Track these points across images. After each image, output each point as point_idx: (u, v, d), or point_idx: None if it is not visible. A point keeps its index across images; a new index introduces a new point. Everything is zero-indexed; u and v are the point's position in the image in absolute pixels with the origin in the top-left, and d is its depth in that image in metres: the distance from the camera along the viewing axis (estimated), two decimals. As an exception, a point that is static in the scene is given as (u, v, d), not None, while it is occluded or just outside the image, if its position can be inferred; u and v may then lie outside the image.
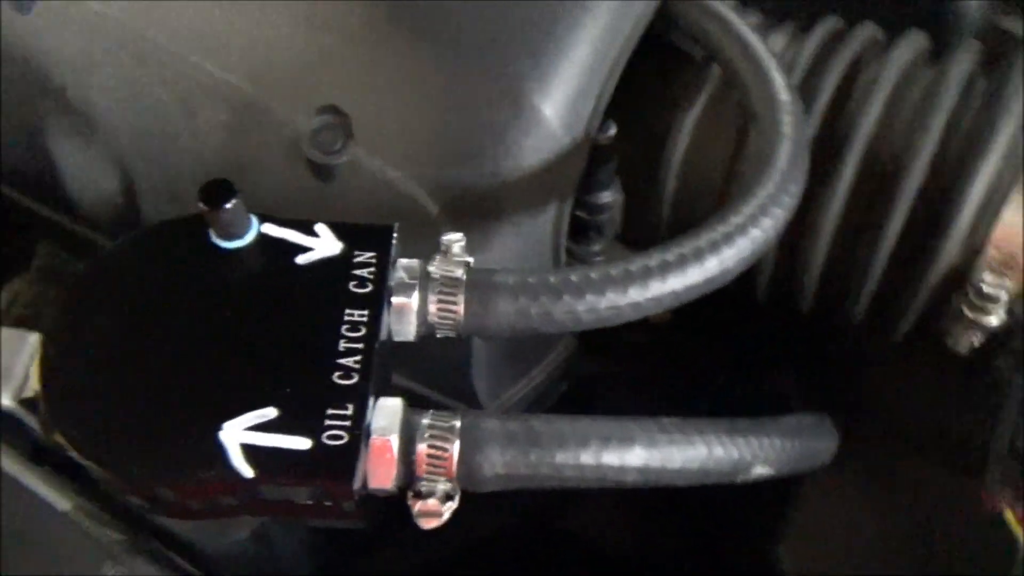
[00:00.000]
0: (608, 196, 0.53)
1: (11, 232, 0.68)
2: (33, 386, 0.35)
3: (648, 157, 0.52)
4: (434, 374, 0.52)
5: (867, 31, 0.51)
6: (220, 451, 0.29)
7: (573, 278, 0.35)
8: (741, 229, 0.37)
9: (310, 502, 0.30)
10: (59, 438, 0.29)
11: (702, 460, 0.33)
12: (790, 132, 0.40)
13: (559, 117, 0.46)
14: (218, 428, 0.29)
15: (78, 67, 0.53)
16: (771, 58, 0.44)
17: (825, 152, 0.47)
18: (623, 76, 0.48)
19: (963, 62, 0.48)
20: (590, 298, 0.34)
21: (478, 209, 0.48)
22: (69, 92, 0.54)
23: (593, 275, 0.35)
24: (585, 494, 0.69)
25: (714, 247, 0.36)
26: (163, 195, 0.55)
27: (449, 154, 0.47)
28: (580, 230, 0.54)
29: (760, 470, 0.36)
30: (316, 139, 0.48)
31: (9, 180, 0.63)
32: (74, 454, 0.29)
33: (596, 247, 0.58)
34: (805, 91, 0.47)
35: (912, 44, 0.50)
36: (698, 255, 0.36)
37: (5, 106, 0.57)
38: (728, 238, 0.36)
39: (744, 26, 0.46)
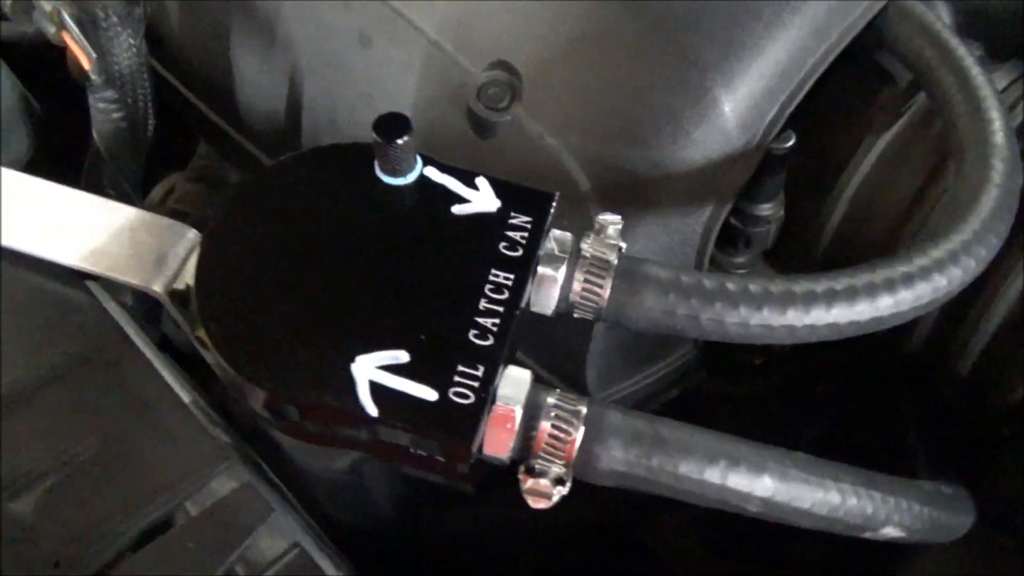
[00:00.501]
0: (768, 209, 0.50)
1: (175, 129, 0.70)
2: (184, 280, 0.36)
3: (822, 176, 0.49)
4: (546, 351, 0.51)
5: None
6: (350, 383, 0.29)
7: (730, 286, 0.33)
8: (924, 273, 0.33)
9: (423, 454, 0.30)
10: (203, 335, 0.30)
11: (832, 507, 0.31)
12: (999, 179, 0.36)
13: (737, 115, 0.44)
14: (351, 360, 0.29)
15: (272, -14, 0.54)
16: (992, 95, 0.39)
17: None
18: (814, 86, 0.44)
19: None
20: (744, 311, 0.32)
21: (631, 194, 0.46)
22: (260, 9, 0.56)
23: (752, 287, 0.33)
24: (671, 510, 0.68)
25: (890, 286, 0.33)
26: (323, 117, 0.56)
27: (613, 131, 0.45)
28: (729, 238, 0.51)
29: (891, 531, 0.33)
30: (483, 93, 0.47)
31: (184, 80, 0.66)
32: (212, 354, 0.29)
33: (740, 259, 0.55)
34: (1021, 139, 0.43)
35: None
36: (871, 291, 0.33)
37: (193, 8, 0.60)
38: (908, 279, 0.33)
39: (967, 56, 0.41)
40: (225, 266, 0.31)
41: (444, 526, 0.56)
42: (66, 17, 0.42)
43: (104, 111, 0.45)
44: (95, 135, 0.46)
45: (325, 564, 0.31)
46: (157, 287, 0.36)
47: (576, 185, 0.45)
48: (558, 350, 0.51)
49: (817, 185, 0.49)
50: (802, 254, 0.53)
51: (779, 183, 0.48)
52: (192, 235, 0.37)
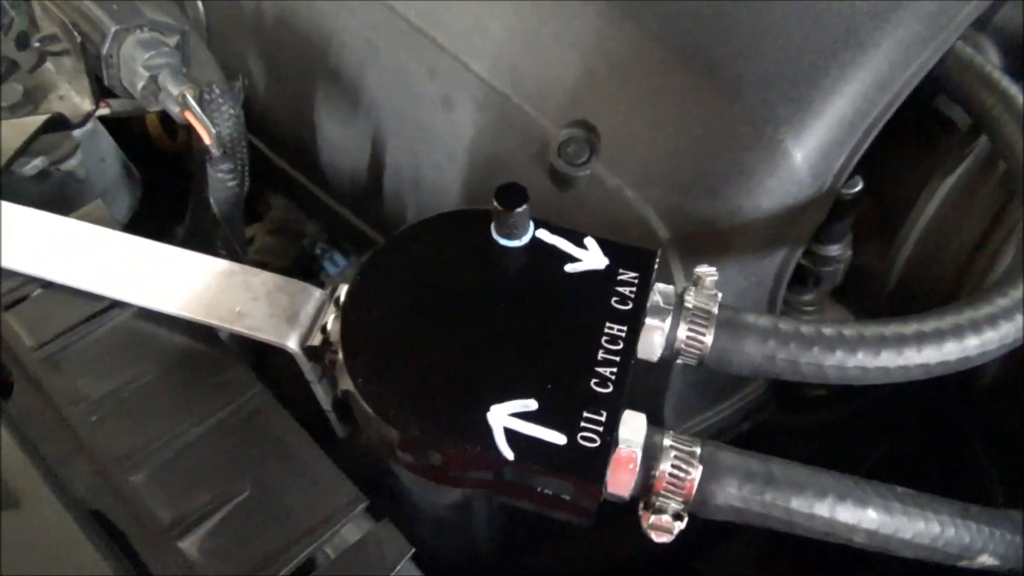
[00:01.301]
0: (837, 249, 0.52)
1: (255, 184, 0.75)
2: (316, 337, 0.40)
3: (889, 219, 0.51)
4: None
5: None
6: (488, 430, 0.32)
7: (826, 332, 0.35)
8: (1008, 314, 0.36)
9: (549, 492, 0.33)
10: (350, 387, 0.33)
11: (933, 537, 0.33)
12: None
13: (809, 166, 0.47)
14: (487, 409, 0.32)
15: (357, 52, 0.59)
16: None
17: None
18: (879, 133, 0.47)
19: None
20: (840, 355, 0.35)
21: (708, 242, 0.49)
22: (344, 72, 0.60)
23: (846, 332, 0.35)
24: (727, 541, 0.69)
25: (975, 327, 0.36)
26: (407, 176, 0.60)
27: (690, 184, 0.48)
28: (799, 277, 0.53)
29: (986, 559, 0.35)
30: (563, 149, 0.50)
31: (268, 141, 0.71)
32: (360, 405, 0.33)
33: (809, 296, 0.57)
34: None
35: None
36: (957, 332, 0.35)
37: (280, 72, 0.64)
38: (992, 320, 0.36)
39: None
40: (367, 324, 0.34)
41: (531, 562, 0.59)
42: (190, 99, 0.46)
43: (221, 180, 0.50)
44: (212, 202, 0.51)
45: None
46: (292, 344, 0.39)
47: (655, 234, 0.48)
48: (638, 388, 0.54)
49: (884, 227, 0.52)
50: (870, 292, 0.55)
51: (847, 225, 0.51)
52: (319, 295, 0.41)
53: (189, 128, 0.48)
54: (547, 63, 0.52)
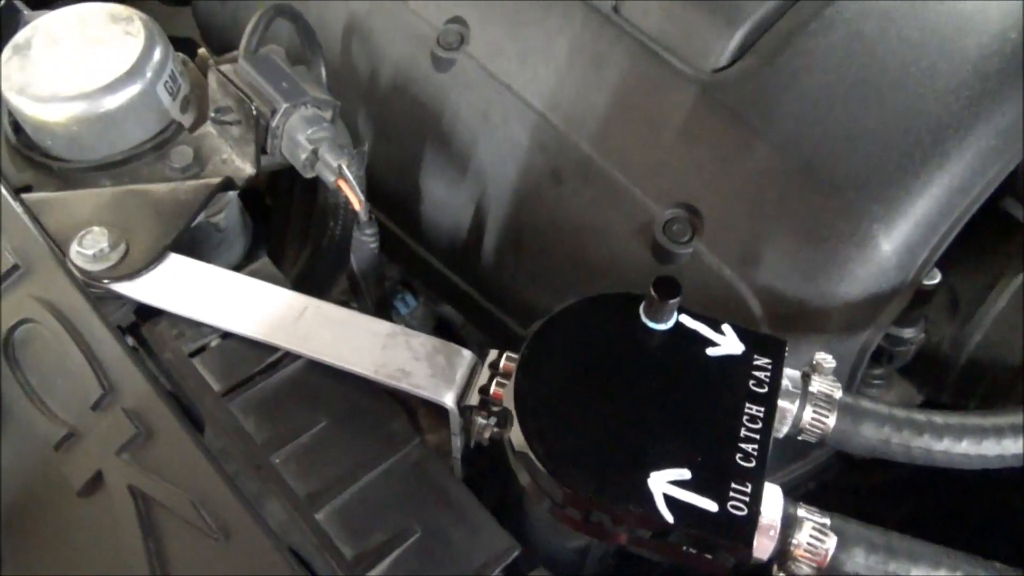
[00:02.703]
0: (912, 332, 0.58)
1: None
2: (472, 397, 0.44)
3: (958, 308, 0.57)
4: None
5: None
6: (649, 496, 0.36)
7: (936, 420, 0.40)
8: (1090, 413, 0.41)
9: (694, 552, 0.37)
10: (525, 448, 0.38)
11: (1009, 601, 0.38)
12: None
13: (897, 258, 0.52)
14: (647, 476, 0.37)
15: (471, 124, 0.64)
16: None
17: None
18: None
19: None
20: (947, 442, 0.40)
21: (799, 321, 0.54)
22: (455, 139, 0.65)
23: (952, 421, 0.40)
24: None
25: (1065, 423, 0.41)
26: (508, 237, 0.65)
27: (787, 270, 0.53)
28: (874, 354, 0.58)
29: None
30: (668, 228, 0.55)
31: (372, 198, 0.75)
32: (535, 466, 0.37)
33: (879, 371, 0.62)
34: None
35: None
36: (1047, 426, 0.40)
37: (389, 133, 0.69)
38: (1078, 419, 0.41)
39: None
40: (536, 394, 0.39)
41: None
42: (346, 171, 0.52)
43: (365, 243, 0.55)
44: (353, 264, 0.56)
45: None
46: (449, 402, 0.44)
47: (750, 310, 0.54)
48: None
49: (954, 313, 0.57)
50: (935, 373, 0.60)
51: (923, 312, 0.56)
52: (471, 357, 0.46)
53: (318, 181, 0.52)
54: (655, 146, 0.57)
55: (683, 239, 0.55)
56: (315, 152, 0.52)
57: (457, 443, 0.47)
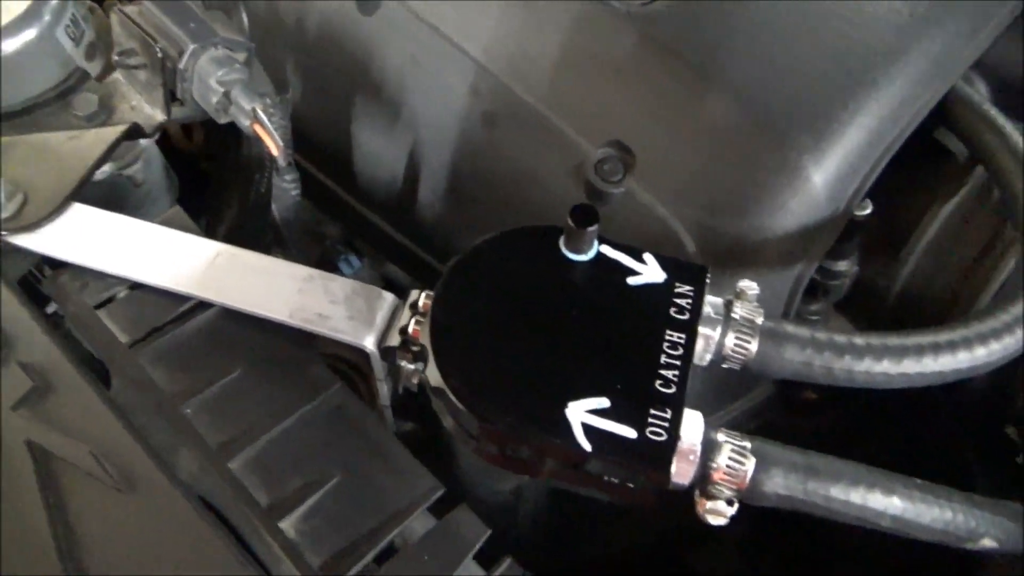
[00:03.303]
0: (845, 265, 0.58)
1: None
2: (392, 338, 0.43)
3: (892, 238, 0.57)
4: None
5: None
6: (567, 425, 0.36)
7: (857, 341, 0.40)
8: (1009, 328, 0.41)
9: (616, 480, 0.37)
10: (441, 383, 0.37)
11: (946, 522, 0.38)
12: None
13: (828, 189, 0.51)
14: (565, 406, 0.36)
15: (400, 69, 0.62)
16: None
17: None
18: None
19: None
20: (868, 362, 0.40)
21: (732, 256, 0.53)
22: (386, 85, 0.63)
23: (874, 342, 0.40)
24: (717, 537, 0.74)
25: (982, 339, 0.41)
26: (443, 187, 0.63)
27: (719, 204, 0.52)
28: (810, 289, 0.58)
29: (987, 543, 0.40)
30: (599, 167, 0.54)
31: (301, 150, 0.73)
32: (452, 402, 0.36)
33: (815, 307, 0.62)
34: None
35: None
36: (967, 343, 0.40)
37: (317, 82, 0.67)
38: (997, 333, 0.41)
39: (1018, 135, 0.49)
40: (453, 329, 0.38)
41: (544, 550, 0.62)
42: (261, 114, 0.50)
43: (286, 190, 0.53)
44: (275, 212, 0.54)
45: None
46: (369, 345, 0.43)
47: (683, 248, 0.53)
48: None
49: (888, 246, 0.57)
50: (871, 305, 0.60)
51: (855, 244, 0.56)
52: (392, 299, 0.45)
53: (219, 128, 0.50)
54: (585, 85, 0.55)
55: (615, 178, 0.54)
56: (227, 95, 0.50)
57: (384, 389, 0.46)
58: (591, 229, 0.39)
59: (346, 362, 0.49)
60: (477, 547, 0.38)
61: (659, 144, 0.53)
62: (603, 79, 0.55)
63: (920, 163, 0.57)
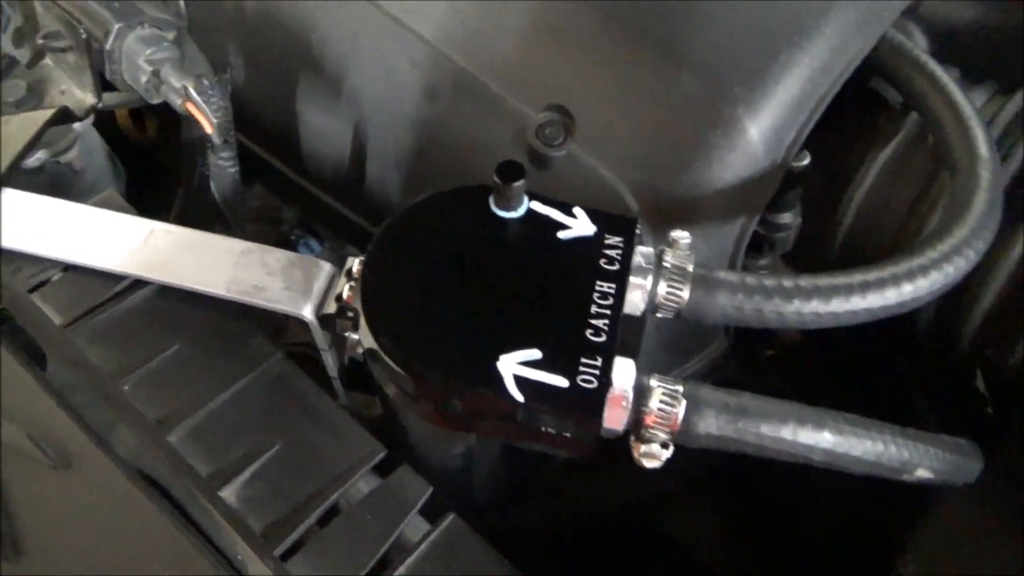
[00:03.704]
0: (788, 218, 0.58)
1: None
2: (329, 306, 0.43)
3: (833, 188, 0.57)
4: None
5: None
6: (499, 377, 0.36)
7: (785, 283, 0.41)
8: (936, 264, 0.42)
9: (553, 431, 0.37)
10: (374, 344, 0.37)
11: (878, 454, 0.39)
12: (987, 185, 0.45)
13: (764, 141, 0.52)
14: (497, 359, 0.37)
15: (342, 45, 0.62)
16: (975, 115, 0.48)
17: (1011, 207, 0.51)
18: (823, 111, 0.53)
19: None
20: (797, 303, 0.40)
21: (676, 213, 0.54)
22: (326, 63, 0.63)
23: (802, 283, 0.41)
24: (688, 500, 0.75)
25: (910, 275, 0.41)
26: (390, 161, 0.63)
27: (658, 161, 0.53)
28: (755, 244, 0.59)
29: (922, 473, 0.41)
30: (541, 132, 0.55)
31: (247, 131, 0.73)
32: (384, 362, 0.37)
33: (763, 261, 0.63)
34: (1000, 149, 0.51)
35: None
36: (895, 280, 0.41)
37: (260, 64, 0.67)
38: (924, 270, 0.41)
39: (951, 82, 0.50)
40: (384, 289, 0.38)
41: (513, 518, 0.63)
42: (192, 91, 0.49)
43: (222, 167, 0.53)
44: (214, 189, 0.54)
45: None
46: (307, 314, 0.43)
47: (627, 207, 0.53)
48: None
49: (829, 196, 0.58)
50: (817, 256, 0.61)
51: (797, 195, 0.57)
52: (329, 268, 0.45)
53: (181, 117, 0.50)
54: (525, 51, 0.56)
55: (556, 142, 0.54)
56: (156, 74, 0.49)
57: (329, 360, 0.46)
58: (517, 184, 0.40)
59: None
60: (420, 505, 0.38)
61: (598, 106, 0.54)
62: (540, 45, 0.55)
63: (857, 112, 0.58)
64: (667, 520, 0.76)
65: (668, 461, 0.76)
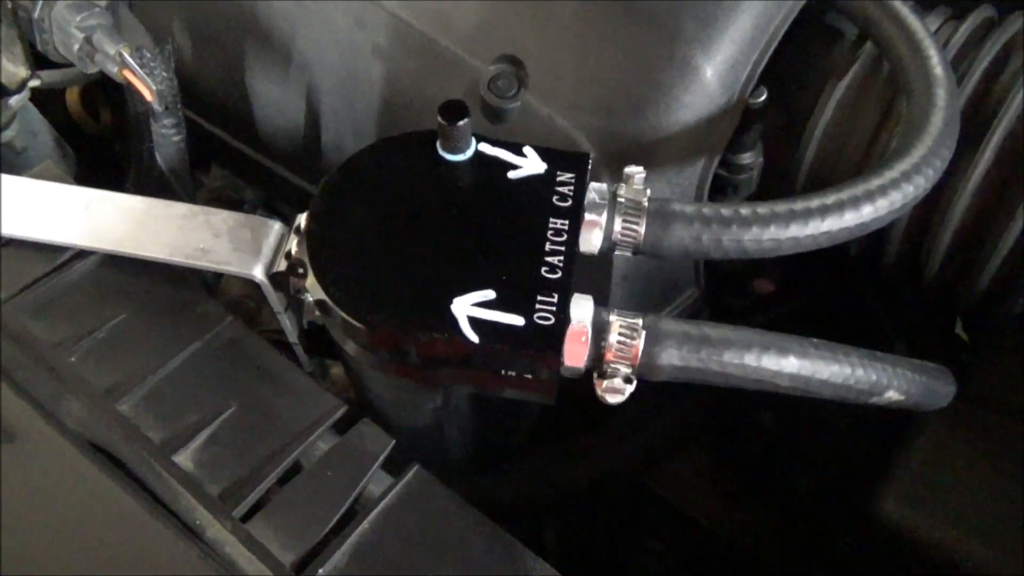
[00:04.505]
0: (750, 157, 0.57)
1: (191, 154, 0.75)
2: (279, 265, 0.42)
3: (793, 124, 0.56)
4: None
5: (1019, 22, 0.54)
6: (453, 319, 0.35)
7: (742, 211, 0.40)
8: (895, 183, 0.41)
9: (513, 373, 0.36)
10: (323, 296, 0.36)
11: (846, 376, 0.38)
12: (944, 104, 0.44)
13: (718, 79, 0.51)
14: (450, 301, 0.35)
15: (289, 13, 0.60)
16: (928, 36, 0.47)
17: (969, 131, 0.51)
18: (778, 47, 0.52)
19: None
20: (755, 230, 0.40)
21: (635, 157, 0.52)
22: (274, 32, 0.62)
23: (760, 210, 0.40)
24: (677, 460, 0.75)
25: (869, 196, 0.41)
26: (347, 128, 0.62)
27: (613, 106, 0.52)
28: (719, 186, 0.58)
29: (892, 395, 0.40)
30: (493, 84, 0.53)
31: (199, 109, 0.71)
32: (336, 314, 0.35)
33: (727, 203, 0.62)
34: (956, 72, 0.51)
35: (1062, 36, 0.53)
36: (855, 202, 0.40)
37: (208, 38, 0.65)
38: (883, 190, 0.41)
39: (903, 7, 0.49)
40: (331, 239, 0.37)
41: (483, 489, 0.62)
42: (127, 57, 0.48)
43: (166, 136, 0.51)
44: (159, 159, 0.52)
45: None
46: (258, 274, 0.42)
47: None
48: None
49: (789, 132, 0.57)
50: (783, 194, 0.60)
51: (757, 134, 0.56)
52: (278, 227, 0.44)
53: (124, 90, 0.49)
54: (471, 4, 0.54)
55: (510, 93, 0.53)
56: (89, 40, 0.48)
57: (286, 323, 0.45)
58: (462, 124, 0.38)
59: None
60: (382, 458, 0.37)
61: (550, 54, 0.53)
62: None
63: (814, 48, 0.57)
64: (656, 481, 0.76)
65: (653, 420, 0.76)
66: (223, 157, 0.75)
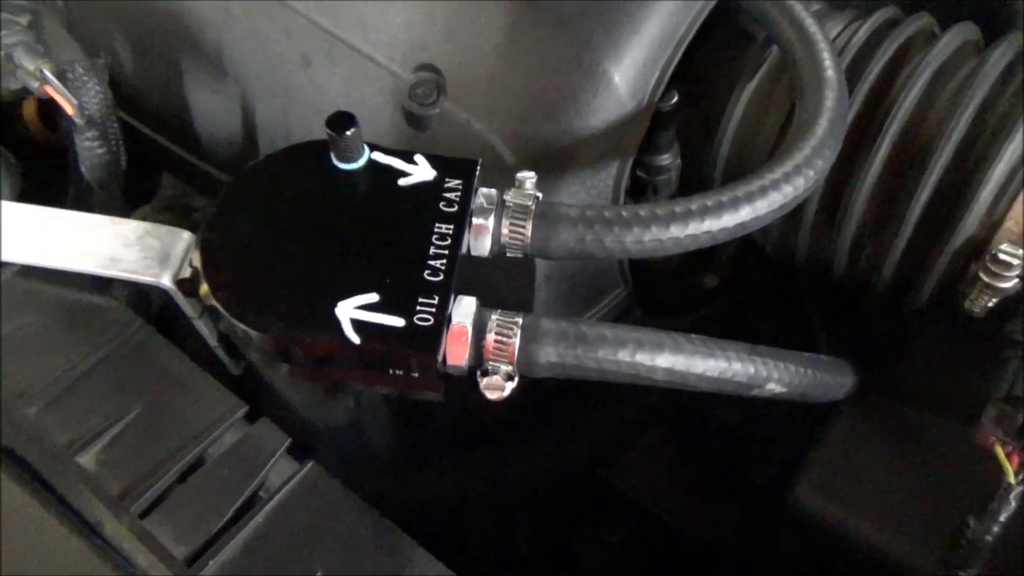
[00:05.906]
0: (667, 159, 0.59)
1: (141, 166, 0.77)
2: (186, 271, 0.44)
3: (706, 125, 0.58)
4: (498, 303, 0.59)
5: (920, 22, 0.56)
6: (335, 322, 0.37)
7: (624, 213, 0.41)
8: (775, 185, 0.43)
9: (400, 372, 0.38)
10: (215, 302, 0.37)
11: (722, 370, 0.40)
12: (831, 106, 0.46)
13: (627, 84, 0.53)
14: (334, 305, 0.37)
15: (216, 22, 0.62)
16: (824, 40, 0.49)
17: (865, 129, 0.52)
18: (688, 50, 0.53)
19: (1004, 53, 0.52)
20: (636, 231, 0.41)
21: (549, 161, 0.54)
22: (207, 44, 0.63)
23: (642, 212, 0.42)
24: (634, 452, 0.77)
25: (749, 197, 0.42)
26: (279, 136, 0.64)
27: (527, 112, 0.53)
28: (639, 188, 0.60)
29: (774, 387, 0.42)
30: (414, 93, 0.55)
31: (144, 119, 0.73)
32: (226, 318, 0.37)
33: (652, 206, 0.64)
34: (855, 72, 0.52)
35: (960, 35, 0.54)
36: (734, 203, 0.42)
37: (144, 49, 0.67)
38: (763, 191, 0.42)
39: (803, 11, 0.51)
40: (224, 247, 0.39)
41: (430, 485, 0.64)
42: (47, 73, 0.49)
43: (89, 148, 0.53)
44: (83, 170, 0.54)
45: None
46: (166, 281, 0.43)
47: (503, 159, 0.54)
48: (508, 303, 0.59)
49: (704, 134, 0.59)
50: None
51: (671, 136, 0.58)
52: (187, 235, 0.45)
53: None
54: (391, 12, 0.56)
55: (429, 101, 0.55)
56: (10, 59, 0.49)
57: (203, 328, 0.46)
58: (350, 134, 0.40)
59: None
60: (278, 456, 0.39)
61: (467, 60, 0.54)
62: (405, 4, 0.55)
63: (726, 51, 0.58)
64: (615, 475, 0.77)
65: (611, 412, 0.76)
66: (171, 165, 0.77)
